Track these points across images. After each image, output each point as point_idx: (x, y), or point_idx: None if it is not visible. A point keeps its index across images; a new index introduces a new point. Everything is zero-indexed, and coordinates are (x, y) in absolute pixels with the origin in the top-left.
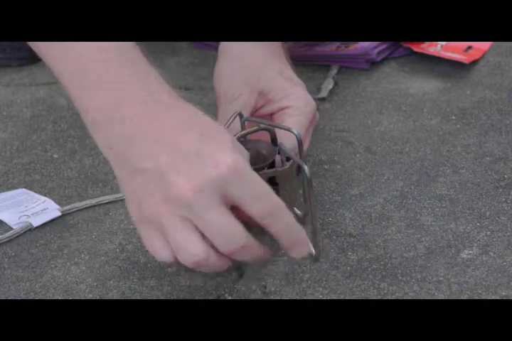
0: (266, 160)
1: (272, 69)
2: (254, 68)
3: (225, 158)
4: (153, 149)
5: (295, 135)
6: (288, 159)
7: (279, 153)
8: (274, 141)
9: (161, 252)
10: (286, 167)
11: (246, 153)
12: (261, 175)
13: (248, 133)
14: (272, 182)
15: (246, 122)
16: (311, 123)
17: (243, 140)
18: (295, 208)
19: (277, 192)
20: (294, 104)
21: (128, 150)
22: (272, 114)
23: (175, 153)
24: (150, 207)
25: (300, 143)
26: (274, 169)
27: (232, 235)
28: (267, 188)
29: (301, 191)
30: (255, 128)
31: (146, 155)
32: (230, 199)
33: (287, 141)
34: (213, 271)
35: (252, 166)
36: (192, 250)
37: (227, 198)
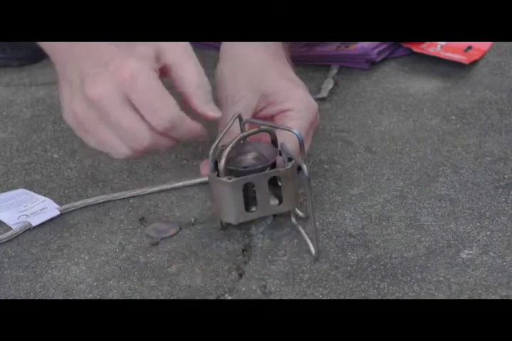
0: (267, 161)
1: (273, 71)
2: (255, 69)
3: (128, 65)
4: (80, 64)
5: (296, 135)
6: (289, 159)
7: (280, 154)
8: (274, 142)
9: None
10: (288, 167)
11: (152, 69)
12: (263, 176)
13: (249, 135)
14: (274, 182)
15: (246, 124)
16: (312, 125)
17: (243, 142)
18: (296, 209)
19: (280, 193)
20: (295, 106)
21: (65, 70)
22: (272, 116)
23: (95, 65)
24: (79, 109)
25: (301, 143)
26: (276, 169)
27: (135, 134)
28: (164, 100)
29: (302, 191)
30: (256, 129)
31: (74, 69)
32: (133, 105)
33: (289, 141)
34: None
35: (254, 167)
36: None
37: (131, 103)
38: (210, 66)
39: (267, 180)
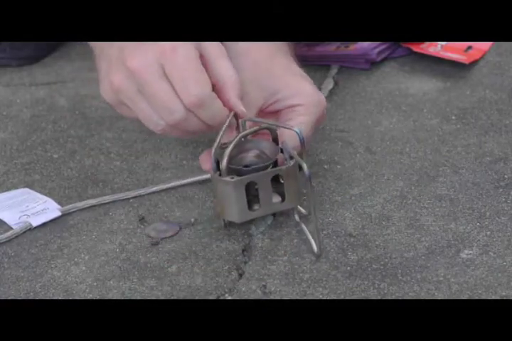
0: (269, 159)
1: (278, 66)
2: (259, 65)
3: (169, 44)
4: (118, 43)
5: (297, 133)
6: (292, 157)
7: (281, 152)
8: (275, 139)
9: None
10: (290, 165)
11: (194, 48)
12: (265, 174)
13: (250, 133)
14: (276, 179)
15: (247, 122)
16: (318, 121)
17: (244, 139)
18: (299, 206)
19: (282, 190)
20: (304, 102)
21: (103, 48)
22: (279, 111)
23: (133, 45)
24: (117, 80)
25: (303, 141)
26: (278, 168)
27: (168, 106)
28: (197, 76)
29: (305, 190)
30: (257, 127)
31: (112, 45)
32: (169, 78)
33: (290, 139)
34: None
35: (256, 165)
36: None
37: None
38: None
39: (269, 179)
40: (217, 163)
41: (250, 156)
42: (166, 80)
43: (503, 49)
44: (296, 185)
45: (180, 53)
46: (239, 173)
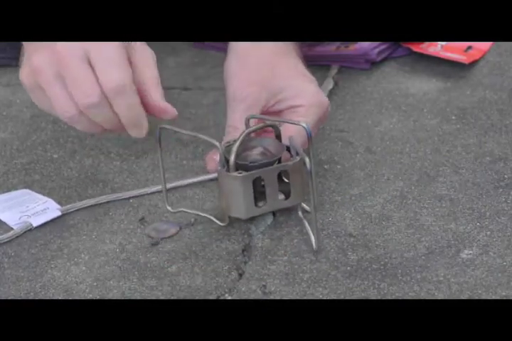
0: (273, 156)
1: (282, 66)
2: (261, 65)
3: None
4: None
5: (304, 128)
6: (298, 153)
7: (287, 149)
8: (278, 137)
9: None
10: (296, 161)
11: (121, 44)
12: (272, 170)
13: (255, 130)
14: (280, 178)
15: (251, 119)
16: (320, 121)
17: (248, 138)
18: (303, 203)
19: (286, 188)
20: (306, 103)
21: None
22: (281, 111)
23: None
24: (39, 62)
25: (310, 135)
26: (284, 163)
27: (86, 89)
28: (120, 63)
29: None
30: (261, 124)
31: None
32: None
33: (297, 135)
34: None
35: (261, 162)
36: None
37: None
38: (210, 66)
39: (276, 174)
40: (225, 160)
41: (255, 154)
42: (88, 65)
43: (503, 49)
44: (302, 182)
45: (108, 45)
46: (245, 169)
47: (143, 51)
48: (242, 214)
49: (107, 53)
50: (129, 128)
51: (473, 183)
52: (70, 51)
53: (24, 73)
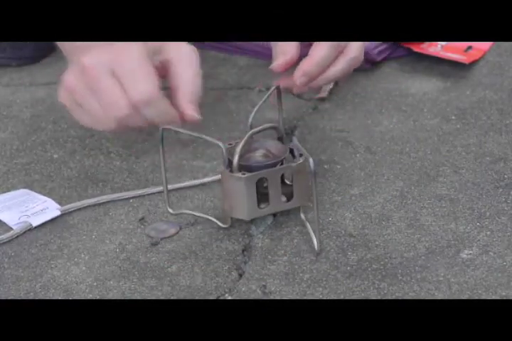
0: (276, 158)
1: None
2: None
3: (122, 44)
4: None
5: (310, 163)
6: (301, 155)
7: (291, 150)
8: (280, 138)
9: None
10: (300, 162)
11: (145, 49)
12: (276, 171)
13: (258, 132)
14: (282, 182)
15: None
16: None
17: (250, 140)
18: (304, 206)
19: (287, 191)
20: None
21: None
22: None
23: (87, 45)
24: (70, 79)
25: (313, 171)
26: (288, 164)
27: (115, 102)
28: (145, 74)
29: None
30: (263, 126)
31: (74, 48)
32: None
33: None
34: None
35: (264, 163)
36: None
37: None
38: (210, 66)
39: (279, 176)
40: (228, 161)
41: (257, 156)
42: (114, 78)
43: (503, 49)
44: (306, 183)
45: (131, 53)
46: (249, 170)
47: (178, 50)
48: (245, 216)
49: (130, 65)
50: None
51: (473, 183)
52: (96, 65)
53: (60, 94)
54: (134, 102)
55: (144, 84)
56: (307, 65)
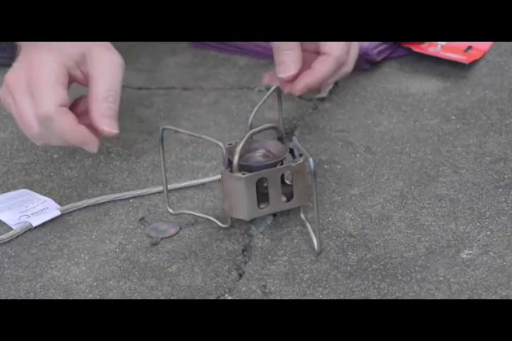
0: (276, 158)
1: None
2: None
3: (39, 58)
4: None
5: (310, 163)
6: (301, 155)
7: (291, 151)
8: (280, 139)
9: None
10: (300, 162)
11: (60, 63)
12: (276, 171)
13: (259, 131)
14: (282, 182)
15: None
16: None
17: (250, 140)
18: (304, 206)
19: (287, 191)
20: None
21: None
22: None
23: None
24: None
25: (314, 171)
26: (288, 164)
27: (25, 121)
28: (51, 92)
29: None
30: (263, 126)
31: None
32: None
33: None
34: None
35: (264, 163)
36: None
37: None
38: (210, 66)
39: (279, 176)
40: (228, 161)
41: (257, 156)
42: (28, 94)
43: (503, 49)
44: (306, 183)
45: (43, 67)
46: (249, 170)
47: (98, 61)
48: (245, 216)
49: (37, 80)
50: (79, 146)
51: (473, 183)
52: (15, 82)
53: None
54: (37, 119)
55: (45, 100)
56: (310, 78)
